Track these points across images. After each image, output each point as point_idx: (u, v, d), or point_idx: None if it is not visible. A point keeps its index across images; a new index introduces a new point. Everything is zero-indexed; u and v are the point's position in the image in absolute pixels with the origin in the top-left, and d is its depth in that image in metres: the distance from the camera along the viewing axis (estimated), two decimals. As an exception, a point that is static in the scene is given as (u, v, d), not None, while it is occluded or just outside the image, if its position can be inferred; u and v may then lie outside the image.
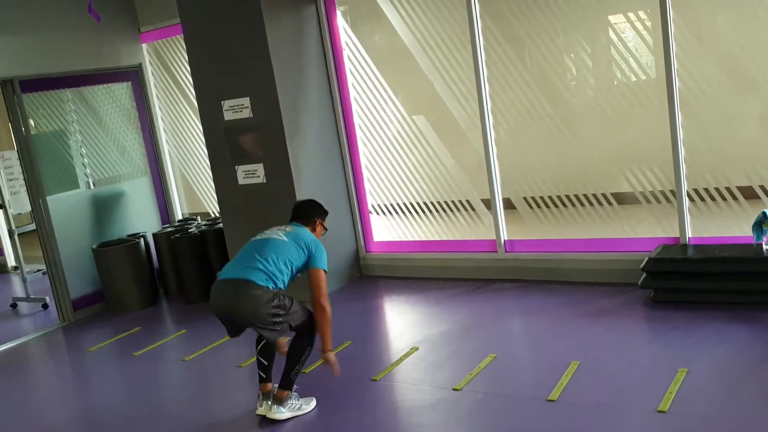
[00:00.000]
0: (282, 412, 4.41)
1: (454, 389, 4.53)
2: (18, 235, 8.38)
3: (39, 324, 7.51)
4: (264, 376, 4.55)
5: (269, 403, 4.46)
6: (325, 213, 4.83)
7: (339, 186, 7.13)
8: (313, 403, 4.54)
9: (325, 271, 4.45)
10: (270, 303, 4.21)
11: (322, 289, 4.38)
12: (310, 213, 4.73)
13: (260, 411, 4.49)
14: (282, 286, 4.33)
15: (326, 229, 4.83)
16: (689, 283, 5.38)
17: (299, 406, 4.47)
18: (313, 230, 4.67)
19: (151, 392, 5.33)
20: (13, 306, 8.31)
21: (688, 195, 5.70)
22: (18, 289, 8.97)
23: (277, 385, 4.52)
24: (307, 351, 4.45)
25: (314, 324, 4.40)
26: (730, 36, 6.50)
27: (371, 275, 7.28)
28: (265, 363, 4.55)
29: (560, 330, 5.30)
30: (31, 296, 8.20)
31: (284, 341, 4.61)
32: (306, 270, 4.45)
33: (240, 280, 4.25)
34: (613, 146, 6.87)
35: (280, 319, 4.27)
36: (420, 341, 5.42)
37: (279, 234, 4.47)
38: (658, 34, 5.60)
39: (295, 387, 4.49)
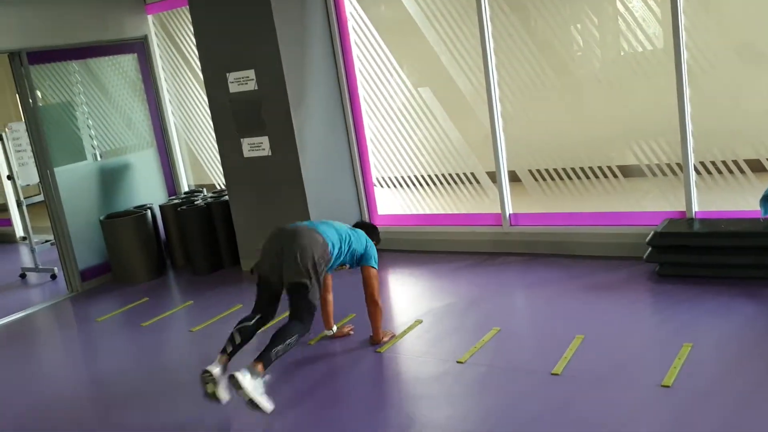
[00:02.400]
0: (246, 377, 4.09)
1: (457, 362, 4.57)
2: (26, 205, 8.42)
3: (47, 294, 7.58)
4: (229, 350, 4.41)
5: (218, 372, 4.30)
6: (379, 240, 5.26)
7: (343, 158, 7.12)
8: (271, 407, 4.18)
9: (377, 270, 4.90)
10: (320, 251, 4.48)
11: (376, 287, 4.85)
12: (369, 231, 5.14)
13: (212, 368, 4.29)
14: (335, 255, 4.62)
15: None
16: (695, 258, 5.37)
17: (261, 393, 4.16)
18: None
19: (159, 363, 5.38)
20: (22, 276, 8.38)
21: (695, 168, 5.67)
22: (26, 260, 9.04)
23: (227, 373, 4.29)
24: (295, 337, 4.34)
25: (311, 317, 4.47)
26: (738, 7, 6.43)
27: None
28: (238, 341, 4.44)
29: (565, 304, 5.32)
30: (40, 267, 8.27)
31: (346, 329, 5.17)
32: (353, 265, 4.87)
33: (308, 227, 4.64)
34: (618, 118, 6.83)
35: (314, 278, 4.43)
36: (424, 314, 5.45)
37: (344, 224, 4.94)
38: (666, 4, 5.54)
39: (266, 374, 4.24)
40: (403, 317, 5.52)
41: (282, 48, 6.39)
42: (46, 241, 8.41)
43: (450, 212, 7.00)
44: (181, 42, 8.11)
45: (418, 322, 5.31)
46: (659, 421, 3.66)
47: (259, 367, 4.18)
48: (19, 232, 10.20)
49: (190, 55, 8.05)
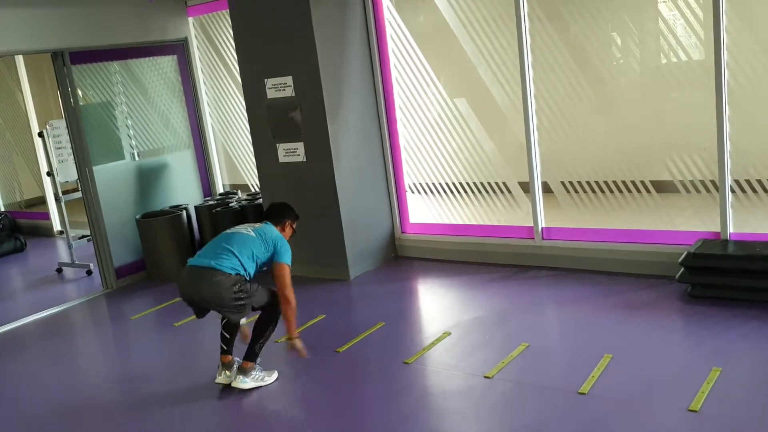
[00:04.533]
0: (246, 382, 4.75)
1: (485, 377, 4.58)
2: (64, 202, 8.58)
3: (83, 290, 7.73)
4: (225, 348, 4.91)
5: (228, 373, 4.85)
6: (296, 216, 5.10)
7: (377, 167, 7.16)
8: (275, 375, 4.89)
9: (288, 265, 4.73)
10: (232, 288, 4.53)
11: (285, 282, 4.67)
12: (281, 214, 5.00)
13: (219, 380, 4.87)
14: (245, 275, 4.62)
15: (295, 231, 5.10)
16: (728, 280, 5.31)
17: (262, 378, 4.81)
18: (282, 230, 4.94)
19: (190, 364, 5.45)
20: (59, 271, 8.54)
21: (731, 188, 5.61)
22: (63, 254, 9.21)
23: (237, 359, 4.91)
24: (271, 327, 4.81)
25: (277, 302, 4.73)
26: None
27: (406, 256, 7.33)
28: (228, 336, 4.91)
29: (594, 321, 5.30)
30: (76, 262, 8.42)
31: (247, 330, 4.99)
32: (269, 264, 4.78)
33: (204, 268, 4.57)
34: (654, 132, 6.78)
35: (242, 302, 4.61)
36: (453, 326, 5.47)
37: (248, 230, 4.80)
38: (707, 18, 5.49)
39: (258, 360, 4.83)
40: (432, 328, 5.55)
41: (320, 55, 6.44)
42: (83, 236, 8.55)
43: (482, 222, 7.01)
44: (221, 45, 8.21)
45: (447, 333, 5.33)
46: (686, 447, 3.65)
47: (249, 364, 4.78)
48: (57, 226, 10.40)
49: (229, 58, 8.15)
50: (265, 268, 4.81)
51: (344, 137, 6.73)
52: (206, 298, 4.57)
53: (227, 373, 4.84)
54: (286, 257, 4.73)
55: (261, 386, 4.78)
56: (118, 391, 5.17)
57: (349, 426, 4.26)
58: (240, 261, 4.58)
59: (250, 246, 4.65)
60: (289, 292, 4.66)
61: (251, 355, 4.79)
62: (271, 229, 4.82)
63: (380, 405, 4.47)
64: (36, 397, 5.17)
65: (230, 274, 4.52)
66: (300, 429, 4.38)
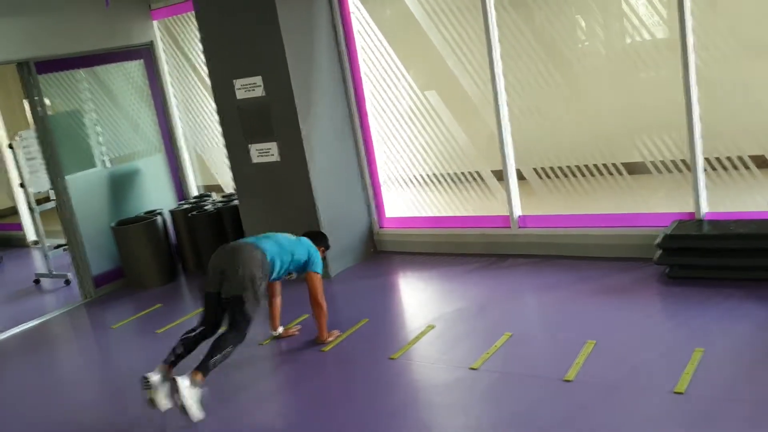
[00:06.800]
0: (185, 384, 4.39)
1: (470, 368, 4.61)
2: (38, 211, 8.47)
3: (62, 300, 7.66)
4: (170, 360, 4.64)
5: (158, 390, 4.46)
6: (328, 246, 5.68)
7: (352, 163, 7.16)
8: (200, 416, 4.43)
9: (320, 275, 5.26)
10: (259, 269, 4.80)
11: (319, 290, 5.22)
12: (316, 238, 5.52)
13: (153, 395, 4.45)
14: (277, 267, 4.98)
15: (324, 258, 5.57)
16: (705, 260, 5.38)
17: (195, 401, 4.44)
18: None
19: (179, 370, 5.41)
20: (36, 282, 8.45)
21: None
22: (39, 265, 9.10)
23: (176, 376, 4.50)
24: (230, 346, 4.65)
25: (247, 327, 4.76)
26: (746, 3, 6.42)
27: (385, 251, 7.35)
28: (180, 352, 4.69)
29: (576, 307, 5.35)
30: (53, 272, 8.33)
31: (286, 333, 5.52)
32: (300, 271, 5.24)
33: (245, 243, 5.01)
34: (623, 114, 6.83)
35: (251, 293, 4.72)
36: (435, 319, 5.50)
37: (289, 235, 5.29)
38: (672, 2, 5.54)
39: (202, 384, 4.51)
40: (416, 322, 5.57)
41: (288, 54, 6.41)
42: (59, 246, 8.46)
43: (458, 213, 7.04)
44: (187, 47, 8.13)
45: (431, 327, 5.36)
46: (673, 428, 3.70)
47: (199, 376, 4.50)
48: (30, 236, 10.27)
49: (196, 60, 8.08)
50: (289, 276, 5.26)
51: (317, 135, 6.71)
52: (237, 265, 4.73)
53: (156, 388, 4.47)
54: (319, 267, 5.25)
55: (185, 405, 4.36)
56: (104, 402, 5.14)
57: (337, 423, 4.27)
58: (281, 252, 5.00)
59: (292, 245, 5.14)
60: (322, 299, 5.22)
61: (204, 370, 4.51)
62: (309, 242, 5.32)
63: (368, 401, 4.50)
64: (20, 413, 5.13)
65: (266, 256, 4.87)
66: (289, 428, 4.38)
